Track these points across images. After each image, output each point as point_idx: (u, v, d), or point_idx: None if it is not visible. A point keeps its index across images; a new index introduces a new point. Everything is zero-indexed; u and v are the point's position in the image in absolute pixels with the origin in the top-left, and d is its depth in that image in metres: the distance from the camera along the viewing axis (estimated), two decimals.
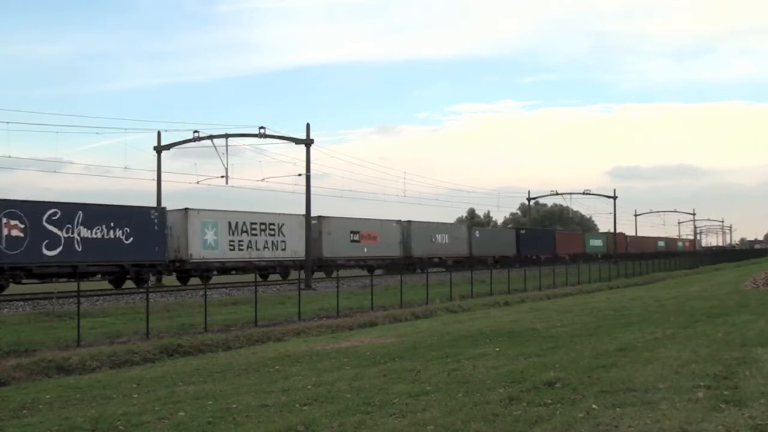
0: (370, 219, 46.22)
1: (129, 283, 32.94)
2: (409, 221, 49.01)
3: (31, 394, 10.48)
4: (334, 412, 7.56)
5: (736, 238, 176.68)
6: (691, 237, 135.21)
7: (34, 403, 9.64)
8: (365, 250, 44.72)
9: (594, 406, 7.08)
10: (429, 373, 10.01)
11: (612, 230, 79.76)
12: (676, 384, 8.02)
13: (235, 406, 8.31)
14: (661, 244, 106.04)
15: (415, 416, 7.13)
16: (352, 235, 43.71)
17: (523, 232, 66.31)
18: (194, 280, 35.51)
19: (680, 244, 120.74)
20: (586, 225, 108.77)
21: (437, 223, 54.32)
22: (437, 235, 52.20)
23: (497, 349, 12.32)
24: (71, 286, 29.15)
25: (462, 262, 53.68)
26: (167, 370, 12.98)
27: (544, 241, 69.02)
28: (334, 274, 41.08)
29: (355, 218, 45.04)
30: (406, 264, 47.81)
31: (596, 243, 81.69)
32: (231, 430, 7.15)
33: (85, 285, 26.78)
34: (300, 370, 11.56)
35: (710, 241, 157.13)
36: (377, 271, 45.76)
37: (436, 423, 6.75)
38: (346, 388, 9.12)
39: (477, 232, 58.27)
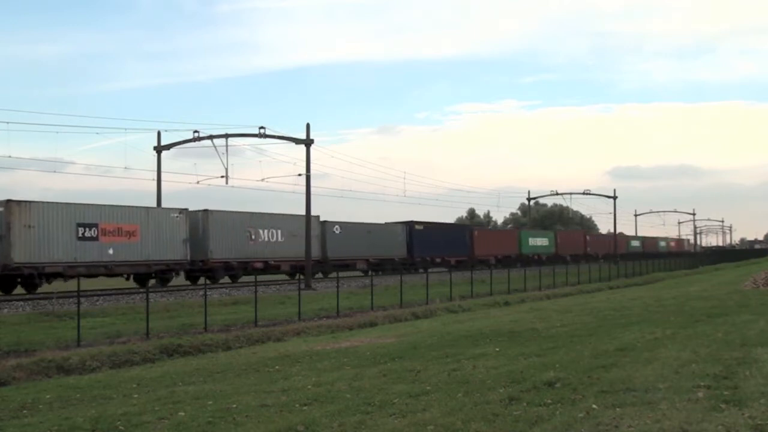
0: (123, 207, 31.77)
1: (129, 283, 32.99)
2: (206, 210, 35.17)
3: (31, 394, 10.48)
4: (334, 412, 7.56)
5: (736, 238, 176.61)
6: (682, 235, 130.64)
7: (34, 403, 9.64)
8: (110, 251, 30.41)
9: (594, 406, 7.07)
10: (429, 373, 10.01)
11: (612, 230, 79.87)
12: (676, 384, 8.02)
13: (235, 406, 8.31)
14: (635, 243, 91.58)
15: (415, 416, 7.13)
16: (81, 229, 29.32)
17: (419, 228, 50.77)
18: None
19: (663, 243, 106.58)
20: (586, 225, 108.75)
21: (264, 213, 39.08)
22: (263, 231, 37.87)
23: (497, 349, 12.32)
24: (71, 286, 29.19)
25: (311, 268, 39.86)
26: (167, 370, 12.98)
27: (452, 240, 54.44)
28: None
29: (96, 205, 30.72)
30: (190, 272, 35.29)
31: (538, 242, 67.07)
32: (231, 430, 7.15)
33: (91, 285, 26.78)
34: (300, 370, 11.56)
35: (710, 241, 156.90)
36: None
37: (436, 423, 6.75)
38: (346, 388, 9.12)
39: (337, 227, 43.40)
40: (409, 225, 49.92)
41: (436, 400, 7.88)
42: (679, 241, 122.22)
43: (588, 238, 78.68)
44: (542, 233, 71.52)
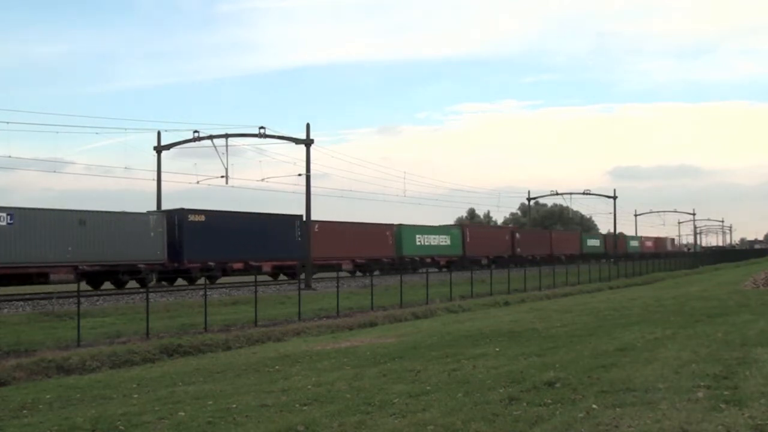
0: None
1: (129, 284, 33.00)
2: None
3: (31, 394, 10.48)
4: (334, 412, 7.56)
5: (736, 238, 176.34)
6: (682, 235, 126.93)
7: (34, 403, 9.64)
8: None
9: (594, 406, 7.08)
10: (429, 373, 10.01)
11: (612, 230, 79.84)
12: (676, 384, 8.02)
13: (235, 406, 8.31)
14: (593, 242, 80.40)
15: (415, 416, 7.13)
16: None
17: (196, 219, 34.16)
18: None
19: (635, 243, 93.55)
20: (586, 225, 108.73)
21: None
22: None
23: (497, 349, 12.32)
24: (72, 286, 29.19)
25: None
26: (167, 370, 12.98)
27: (268, 236, 37.25)
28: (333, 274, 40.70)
29: None
30: None
31: (433, 242, 52.64)
32: (231, 430, 7.15)
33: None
34: (300, 370, 11.56)
35: (710, 241, 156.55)
36: None
37: (436, 423, 6.75)
38: (346, 388, 9.12)
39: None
40: (177, 214, 33.78)
41: (436, 400, 7.88)
42: (659, 240, 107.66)
43: (553, 236, 70.70)
44: (432, 228, 54.62)
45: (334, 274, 38.88)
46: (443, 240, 54.29)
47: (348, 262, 45.02)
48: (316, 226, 40.34)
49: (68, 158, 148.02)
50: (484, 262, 55.62)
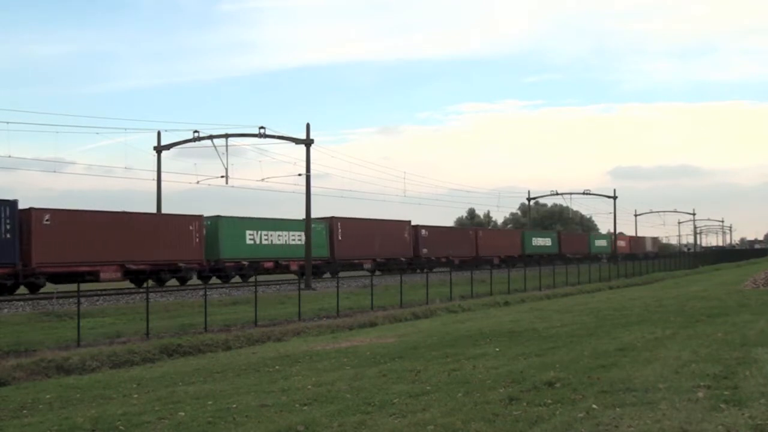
0: None
1: (128, 284, 33.01)
2: None
3: (31, 394, 10.48)
4: (334, 412, 7.56)
5: (736, 238, 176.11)
6: (682, 235, 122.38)
7: (34, 403, 9.64)
8: None
9: (594, 406, 7.07)
10: (429, 373, 10.01)
11: (613, 230, 79.77)
12: (676, 384, 8.02)
13: (235, 406, 8.31)
14: (541, 242, 67.96)
15: (415, 416, 7.13)
16: None
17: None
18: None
19: (601, 242, 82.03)
20: (586, 225, 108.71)
21: None
22: None
23: (497, 349, 12.32)
24: (72, 286, 29.17)
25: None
26: (167, 370, 12.98)
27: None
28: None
29: None
30: None
31: (279, 239, 39.85)
32: (231, 430, 7.15)
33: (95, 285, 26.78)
34: (300, 370, 11.56)
35: (710, 241, 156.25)
36: None
37: (436, 423, 6.75)
38: (346, 388, 9.12)
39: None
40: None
41: (436, 400, 7.88)
42: (638, 240, 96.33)
43: (480, 234, 60.34)
44: (276, 223, 40.89)
45: (342, 274, 39.41)
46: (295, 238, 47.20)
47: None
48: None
49: (69, 158, 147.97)
50: (496, 262, 57.09)
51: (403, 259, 48.75)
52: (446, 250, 53.11)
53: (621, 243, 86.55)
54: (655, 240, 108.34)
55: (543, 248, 66.99)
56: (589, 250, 76.42)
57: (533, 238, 66.57)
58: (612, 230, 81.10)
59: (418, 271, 48.75)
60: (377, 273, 44.78)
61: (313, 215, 37.41)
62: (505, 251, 60.95)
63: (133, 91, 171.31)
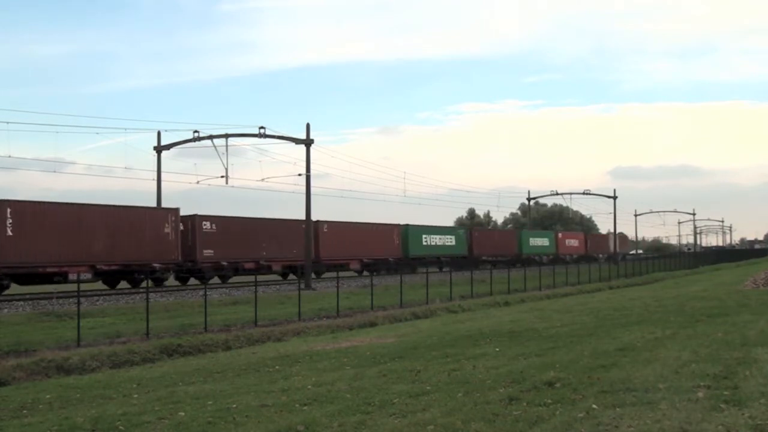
0: None
1: (127, 284, 33.02)
2: None
3: (31, 394, 10.48)
4: (334, 412, 7.56)
5: (736, 238, 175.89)
6: (682, 235, 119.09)
7: (34, 403, 9.64)
8: None
9: (594, 406, 7.07)
10: (429, 373, 10.01)
11: (612, 230, 79.67)
12: (676, 384, 8.01)
13: (235, 406, 8.31)
14: (443, 241, 54.17)
15: (415, 416, 7.13)
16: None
17: None
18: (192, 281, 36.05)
19: (540, 241, 68.83)
20: (586, 225, 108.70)
21: None
22: None
23: (497, 349, 12.32)
24: (72, 286, 29.17)
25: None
26: (167, 370, 12.98)
27: None
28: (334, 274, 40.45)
29: None
30: None
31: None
32: (231, 430, 7.15)
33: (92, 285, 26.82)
34: (300, 370, 11.56)
35: (710, 241, 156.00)
36: None
37: (436, 423, 6.75)
38: (346, 388, 9.12)
39: None
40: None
41: (436, 400, 7.88)
42: (597, 238, 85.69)
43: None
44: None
45: (334, 274, 38.27)
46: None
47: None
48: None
49: (69, 158, 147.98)
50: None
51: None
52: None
53: (572, 242, 75.30)
54: (623, 238, 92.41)
55: (439, 248, 53.62)
56: (518, 250, 63.16)
57: (424, 236, 52.18)
58: (612, 230, 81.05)
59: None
60: (365, 274, 43.94)
61: (313, 216, 37.42)
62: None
63: (133, 91, 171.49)
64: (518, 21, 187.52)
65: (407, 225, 49.70)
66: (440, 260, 53.11)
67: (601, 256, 76.67)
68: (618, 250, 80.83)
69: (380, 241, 46.72)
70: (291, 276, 39.60)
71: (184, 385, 10.61)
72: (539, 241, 68.41)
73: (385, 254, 47.15)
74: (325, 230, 42.44)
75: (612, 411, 6.83)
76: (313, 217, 38.13)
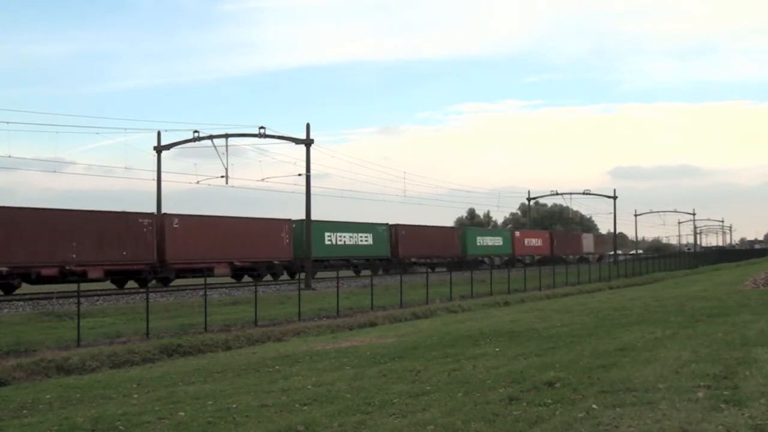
0: None
1: (129, 283, 33.02)
2: None
3: (31, 394, 10.48)
4: (334, 412, 7.56)
5: (736, 238, 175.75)
6: (682, 235, 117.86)
7: (34, 403, 9.64)
8: None
9: (594, 406, 7.07)
10: (429, 373, 10.01)
11: (612, 230, 79.47)
12: (676, 384, 8.02)
13: (235, 406, 8.32)
14: (355, 241, 45.76)
15: (415, 416, 7.13)
16: None
17: None
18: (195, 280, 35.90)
19: (483, 240, 59.13)
20: (586, 225, 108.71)
21: None
22: None
23: (497, 349, 12.32)
24: (72, 286, 29.15)
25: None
26: (167, 370, 12.98)
27: None
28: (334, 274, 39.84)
29: None
30: None
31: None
32: (231, 430, 7.15)
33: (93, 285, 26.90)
34: (300, 370, 11.57)
35: (710, 241, 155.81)
36: None
37: (436, 423, 6.75)
38: (346, 388, 9.12)
39: None
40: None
41: (436, 400, 7.88)
42: (567, 238, 75.75)
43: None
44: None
45: (333, 274, 37.61)
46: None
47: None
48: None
49: (69, 158, 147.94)
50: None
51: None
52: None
53: (533, 241, 66.29)
54: (599, 238, 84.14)
55: (350, 249, 45.55)
56: (461, 251, 54.77)
57: (327, 234, 43.83)
58: (612, 230, 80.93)
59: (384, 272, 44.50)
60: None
61: (313, 216, 37.33)
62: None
63: (133, 91, 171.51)
64: (518, 21, 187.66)
65: (301, 220, 38.11)
66: (350, 262, 44.68)
67: (571, 257, 68.98)
68: (594, 250, 76.26)
69: (262, 240, 37.89)
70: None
71: (184, 385, 10.61)
72: (490, 241, 60.03)
73: (268, 256, 38.52)
74: (176, 226, 33.88)
75: (612, 411, 6.83)
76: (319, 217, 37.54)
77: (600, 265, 50.20)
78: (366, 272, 44.17)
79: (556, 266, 44.81)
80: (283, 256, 39.35)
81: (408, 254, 49.23)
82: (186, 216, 34.90)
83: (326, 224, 43.12)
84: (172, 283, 34.31)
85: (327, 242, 42.98)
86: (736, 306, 19.25)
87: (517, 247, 62.82)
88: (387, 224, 48.55)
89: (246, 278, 37.88)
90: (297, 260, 39.02)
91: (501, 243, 61.19)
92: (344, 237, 44.87)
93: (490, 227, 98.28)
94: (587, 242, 77.71)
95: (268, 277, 39.04)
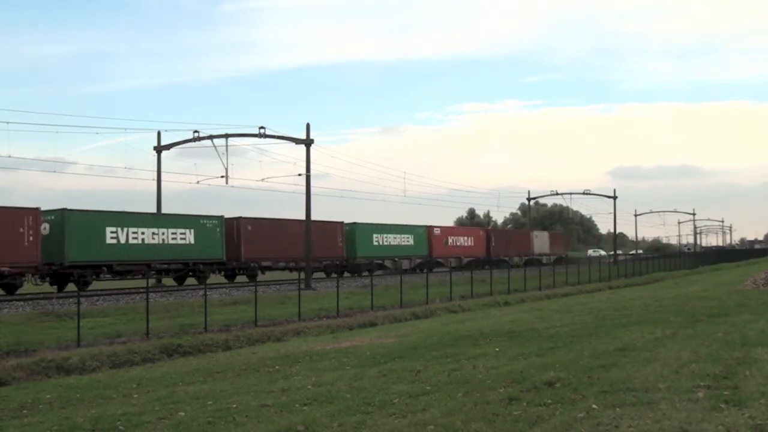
0: None
1: (129, 283, 33.03)
2: None
3: (31, 394, 10.49)
4: (334, 412, 7.56)
5: (736, 238, 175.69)
6: (682, 235, 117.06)
7: (34, 403, 9.65)
8: None
9: (594, 406, 7.08)
10: (429, 373, 10.01)
11: (613, 230, 79.17)
12: (676, 384, 8.02)
13: (235, 406, 8.32)
14: (176, 239, 33.55)
15: (415, 416, 7.13)
16: None
17: None
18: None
19: (382, 239, 47.25)
20: (586, 225, 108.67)
21: None
22: None
23: (497, 349, 12.32)
24: (71, 286, 29.18)
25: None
26: (167, 370, 12.99)
27: None
28: (333, 275, 40.15)
29: None
30: None
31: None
32: (231, 430, 7.15)
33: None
34: (300, 370, 11.57)
35: (710, 241, 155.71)
36: None
37: (436, 423, 6.75)
38: (346, 388, 9.12)
39: None
40: None
41: (436, 400, 7.89)
42: (512, 235, 66.32)
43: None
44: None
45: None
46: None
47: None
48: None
49: (69, 158, 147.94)
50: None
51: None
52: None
53: (459, 240, 54.92)
54: (557, 236, 72.73)
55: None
56: (346, 253, 44.12)
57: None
58: (612, 230, 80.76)
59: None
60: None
61: (313, 216, 37.35)
62: None
63: (133, 91, 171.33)
64: (518, 21, 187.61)
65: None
66: (151, 266, 32.86)
67: (516, 259, 59.26)
68: (549, 251, 66.16)
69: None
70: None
71: (184, 385, 10.61)
72: (394, 239, 48.44)
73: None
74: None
75: (612, 411, 6.83)
76: (319, 217, 38.08)
77: (600, 265, 50.12)
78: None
79: (557, 266, 44.80)
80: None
81: (258, 257, 38.23)
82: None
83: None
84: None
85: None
86: (736, 306, 19.25)
87: (435, 248, 51.64)
88: (219, 218, 36.20)
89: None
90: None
91: (412, 242, 49.98)
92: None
93: (489, 226, 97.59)
94: (540, 241, 65.88)
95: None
